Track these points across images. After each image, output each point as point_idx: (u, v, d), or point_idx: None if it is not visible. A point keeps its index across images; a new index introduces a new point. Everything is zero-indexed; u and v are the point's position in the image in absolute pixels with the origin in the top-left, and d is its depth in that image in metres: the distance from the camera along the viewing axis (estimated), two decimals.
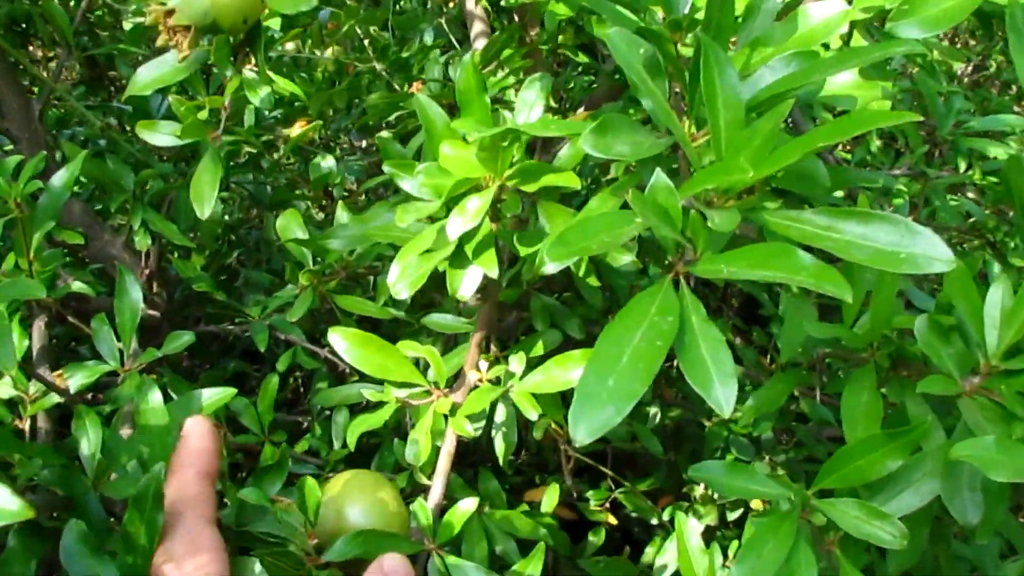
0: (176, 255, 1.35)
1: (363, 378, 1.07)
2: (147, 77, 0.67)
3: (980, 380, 0.59)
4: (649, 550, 1.30)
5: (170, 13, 0.63)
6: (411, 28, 1.47)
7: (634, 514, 1.29)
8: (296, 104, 1.32)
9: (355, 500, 0.59)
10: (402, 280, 0.63)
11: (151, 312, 1.13)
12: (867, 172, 0.82)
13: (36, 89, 1.40)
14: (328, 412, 1.17)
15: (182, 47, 0.63)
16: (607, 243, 0.46)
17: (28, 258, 0.84)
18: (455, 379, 0.74)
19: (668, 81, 0.54)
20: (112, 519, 0.62)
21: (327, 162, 1.18)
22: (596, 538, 1.23)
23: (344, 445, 0.99)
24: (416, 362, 0.72)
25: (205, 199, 0.72)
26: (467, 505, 0.62)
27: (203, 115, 0.72)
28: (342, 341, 0.68)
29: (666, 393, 1.36)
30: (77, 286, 0.99)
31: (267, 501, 0.56)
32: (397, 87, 1.32)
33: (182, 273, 1.17)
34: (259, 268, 1.47)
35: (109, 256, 1.15)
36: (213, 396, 0.69)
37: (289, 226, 1.02)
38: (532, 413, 0.67)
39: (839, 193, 0.82)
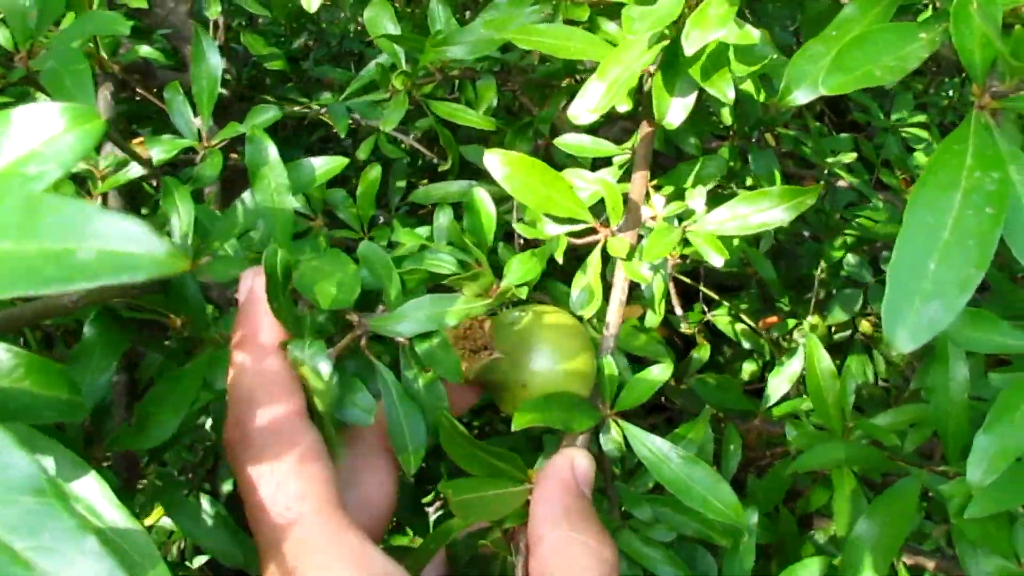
0: (244, 31, 1.22)
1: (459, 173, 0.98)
2: None
3: None
4: (746, 367, 1.25)
5: None
6: None
7: (740, 337, 1.23)
8: None
9: (544, 344, 0.51)
10: (605, 99, 0.51)
11: (221, 90, 1.02)
12: None
13: None
14: (408, 207, 1.08)
15: None
16: (893, 68, 0.35)
17: None
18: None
19: None
20: (210, 306, 0.56)
21: None
22: (700, 355, 1.16)
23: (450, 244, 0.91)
24: None
25: None
26: (659, 372, 0.55)
27: None
28: (501, 166, 0.57)
29: None
30: (145, 51, 0.88)
31: None
32: None
33: (252, 49, 1.05)
34: (326, 63, 1.34)
35: (173, 26, 1.03)
36: (325, 164, 0.61)
37: (379, 19, 0.89)
38: (717, 259, 0.57)
39: None
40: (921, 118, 1.22)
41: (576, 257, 0.61)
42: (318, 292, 0.48)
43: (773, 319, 1.23)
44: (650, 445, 0.52)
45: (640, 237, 0.60)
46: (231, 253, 0.59)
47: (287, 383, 0.44)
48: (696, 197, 0.61)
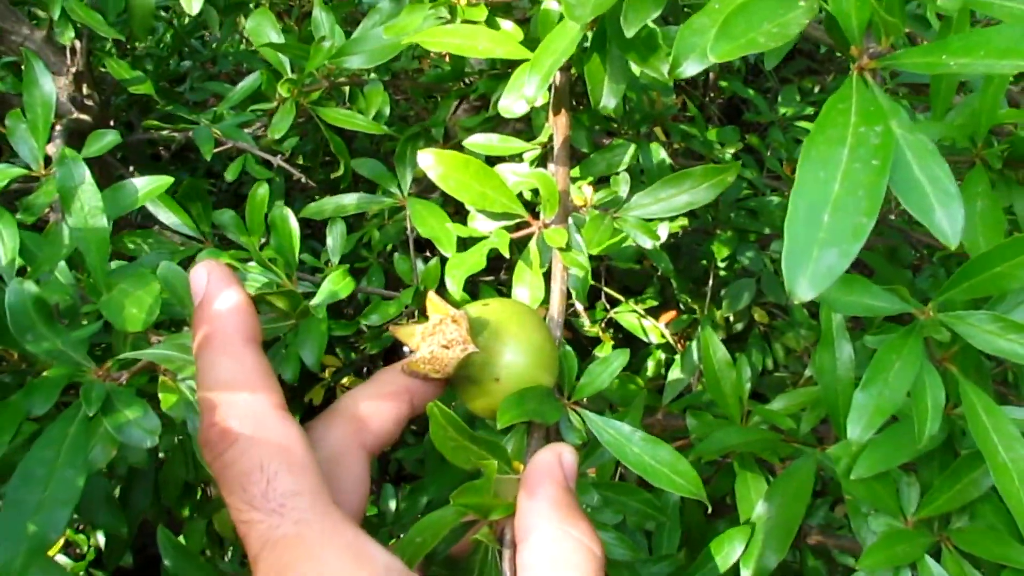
0: (111, 55, 1.17)
1: (339, 187, 0.97)
2: None
3: None
4: (650, 364, 1.26)
5: None
6: None
7: (645, 333, 1.24)
8: None
9: (513, 338, 0.50)
10: (542, 86, 0.50)
11: (82, 116, 0.97)
12: None
13: None
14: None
15: None
16: (775, 34, 0.36)
17: None
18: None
19: None
20: None
21: None
22: (604, 352, 1.17)
23: (342, 261, 0.90)
24: None
25: None
26: (618, 361, 0.55)
27: None
28: (435, 165, 0.56)
29: None
30: None
31: None
32: None
33: (114, 74, 1.01)
34: (212, 77, 1.31)
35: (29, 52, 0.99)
36: (148, 184, 0.60)
37: (262, 28, 0.87)
38: (647, 241, 0.58)
39: None
40: (811, 111, 1.27)
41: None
42: (126, 317, 0.47)
43: (672, 314, 1.25)
44: (611, 430, 0.52)
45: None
46: (60, 279, 0.57)
47: (266, 376, 0.42)
48: (622, 184, 0.61)
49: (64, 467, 0.43)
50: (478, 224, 0.59)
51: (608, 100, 0.55)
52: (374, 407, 0.48)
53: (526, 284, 0.58)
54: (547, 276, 0.58)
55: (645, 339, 1.22)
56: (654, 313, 1.25)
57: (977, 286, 0.51)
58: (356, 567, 0.36)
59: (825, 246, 0.30)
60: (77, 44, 0.96)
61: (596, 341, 1.24)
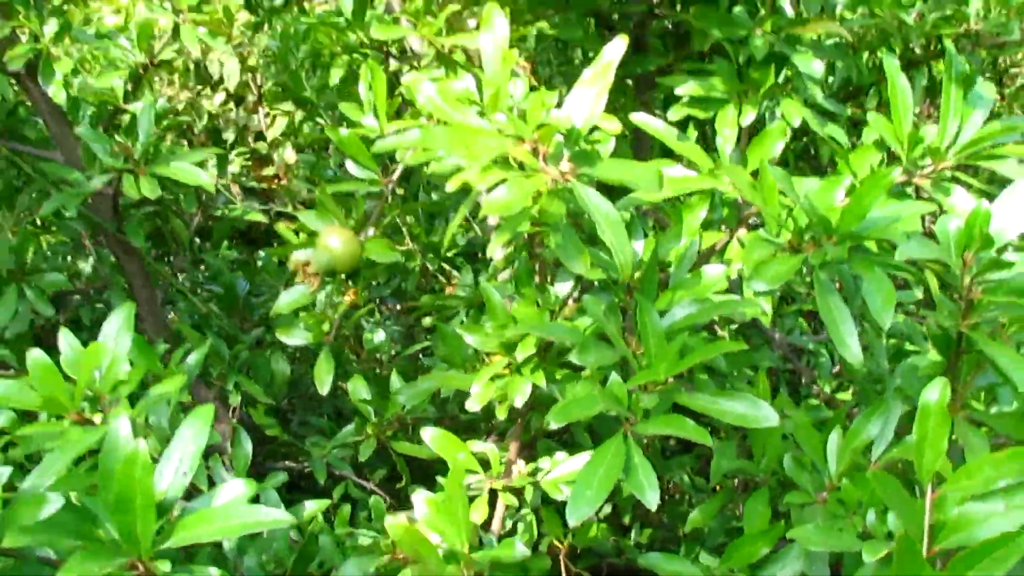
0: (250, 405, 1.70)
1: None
2: (287, 301, 1.04)
3: (826, 494, 0.94)
4: None
5: (307, 264, 1.01)
6: (438, 210, 1.89)
7: None
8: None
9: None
10: (483, 394, 0.98)
11: None
12: (761, 354, 1.21)
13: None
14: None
15: (312, 284, 1.01)
16: (585, 414, 0.82)
17: None
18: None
19: (623, 312, 0.92)
20: None
21: (379, 336, 1.55)
22: None
23: None
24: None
25: (324, 381, 1.09)
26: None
27: (325, 327, 1.10)
28: (433, 437, 1.06)
29: (653, 518, 1.71)
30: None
31: None
32: (429, 265, 1.72)
33: (257, 420, 1.52)
34: (315, 413, 1.83)
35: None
36: (314, 506, 1.05)
37: (357, 389, 1.38)
38: (557, 495, 1.02)
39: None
40: None
41: None
42: None
43: None
44: None
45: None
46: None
47: None
48: (541, 462, 1.06)
49: None
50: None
51: (519, 401, 0.99)
52: None
53: (477, 510, 1.00)
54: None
55: None
56: None
57: (743, 556, 0.93)
58: None
59: (587, 504, 0.75)
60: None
61: None
